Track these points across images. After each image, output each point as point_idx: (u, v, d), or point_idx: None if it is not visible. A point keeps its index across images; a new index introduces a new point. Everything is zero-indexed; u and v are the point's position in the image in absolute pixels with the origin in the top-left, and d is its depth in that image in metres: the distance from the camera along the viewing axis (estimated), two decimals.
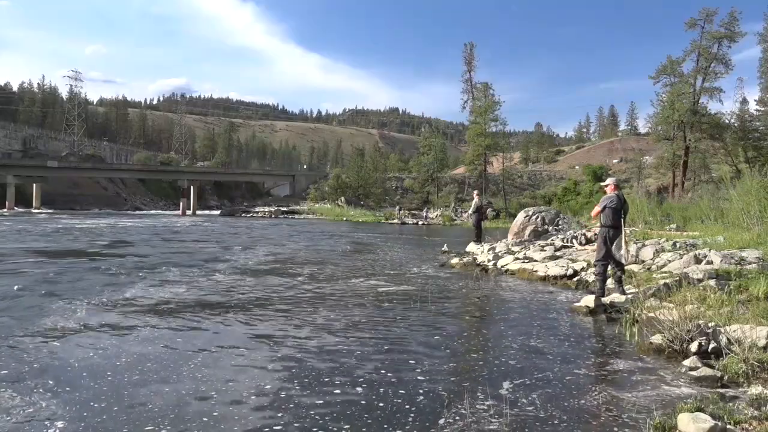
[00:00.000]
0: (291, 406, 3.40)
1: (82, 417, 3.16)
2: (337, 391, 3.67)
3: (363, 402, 3.49)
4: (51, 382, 3.73)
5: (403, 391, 3.67)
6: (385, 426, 3.11)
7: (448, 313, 6.65)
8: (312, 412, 3.29)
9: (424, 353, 4.65)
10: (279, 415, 3.26)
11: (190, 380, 3.86)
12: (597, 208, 7.21)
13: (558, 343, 5.09)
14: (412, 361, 4.39)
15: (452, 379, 4.00)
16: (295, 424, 3.12)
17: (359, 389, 3.72)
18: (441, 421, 3.16)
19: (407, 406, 3.39)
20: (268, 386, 3.76)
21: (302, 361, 4.37)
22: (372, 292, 7.98)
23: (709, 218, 13.92)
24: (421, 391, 3.68)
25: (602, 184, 7.89)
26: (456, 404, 3.41)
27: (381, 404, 3.44)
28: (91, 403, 3.38)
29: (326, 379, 3.90)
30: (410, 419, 3.20)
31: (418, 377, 3.99)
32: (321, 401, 3.48)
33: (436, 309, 6.74)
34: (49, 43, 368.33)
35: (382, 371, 4.12)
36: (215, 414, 3.25)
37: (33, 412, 3.22)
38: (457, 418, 3.21)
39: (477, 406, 3.38)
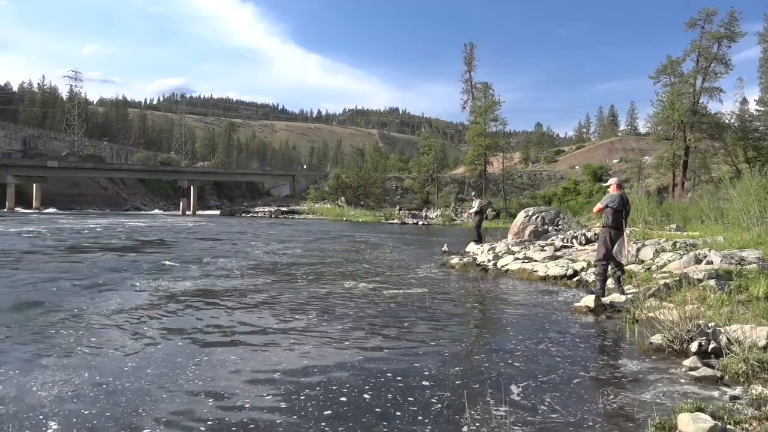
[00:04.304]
0: (294, 417, 3.26)
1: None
2: (344, 399, 3.56)
3: (377, 410, 3.38)
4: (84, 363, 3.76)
5: (411, 398, 3.58)
6: None
7: (449, 314, 6.65)
8: (322, 424, 3.16)
9: (429, 356, 4.61)
10: (278, 421, 3.18)
11: (188, 381, 3.87)
12: (599, 206, 7.31)
13: (559, 343, 5.09)
14: (417, 365, 4.33)
15: (460, 382, 3.93)
16: None
17: (367, 396, 3.62)
18: (465, 429, 3.11)
19: (421, 417, 3.27)
20: (268, 395, 3.64)
21: (304, 365, 4.34)
22: (372, 293, 7.99)
23: (709, 218, 13.93)
24: (433, 399, 3.58)
25: (605, 184, 7.94)
26: (471, 411, 3.32)
27: (398, 413, 3.33)
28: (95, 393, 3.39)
29: (334, 387, 3.77)
30: (428, 430, 3.11)
31: (425, 381, 3.92)
32: (329, 411, 3.34)
33: (437, 310, 6.74)
34: (49, 43, 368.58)
35: (389, 374, 4.07)
36: (210, 422, 3.17)
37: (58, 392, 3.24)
38: (478, 424, 3.17)
39: (493, 412, 3.32)
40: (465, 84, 61.40)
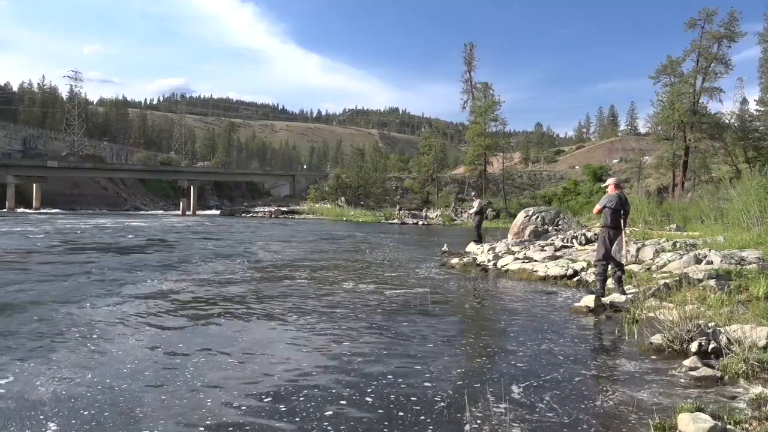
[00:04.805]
0: (297, 419, 3.24)
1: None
2: (344, 402, 3.52)
3: (380, 410, 3.36)
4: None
5: (414, 398, 3.57)
6: None
7: (450, 315, 6.65)
8: (324, 424, 3.14)
9: (430, 358, 4.60)
10: (278, 424, 3.16)
11: (186, 382, 3.88)
12: (597, 207, 7.35)
13: (559, 344, 5.09)
14: (418, 367, 4.30)
15: (461, 383, 3.91)
16: None
17: (369, 399, 3.59)
18: (467, 428, 3.11)
19: (423, 417, 3.27)
20: (268, 397, 3.60)
21: (304, 366, 4.33)
22: (373, 293, 7.99)
23: (709, 218, 13.94)
24: (436, 398, 3.57)
25: (603, 185, 7.97)
26: (472, 410, 3.32)
27: (401, 413, 3.32)
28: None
29: (334, 388, 3.74)
30: (430, 430, 3.11)
31: (426, 383, 3.89)
32: (330, 412, 3.31)
33: (437, 311, 6.74)
34: (49, 43, 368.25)
35: (390, 377, 4.04)
36: (208, 423, 3.15)
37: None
38: (480, 422, 3.17)
39: (494, 409, 3.32)
40: (465, 84, 61.44)
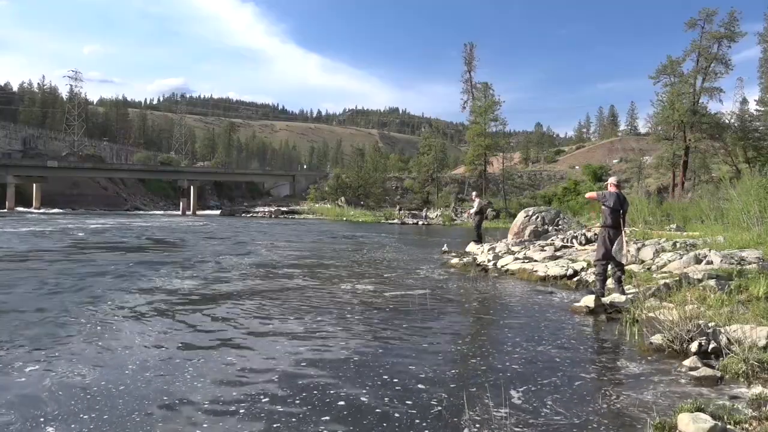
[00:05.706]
0: (294, 420, 3.21)
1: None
2: (342, 403, 3.50)
3: (377, 411, 3.34)
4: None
5: (409, 402, 3.54)
6: None
7: (448, 315, 6.63)
8: (321, 427, 3.12)
9: (428, 358, 4.58)
10: (275, 425, 3.15)
11: (185, 383, 3.87)
12: (593, 194, 7.50)
13: (559, 344, 5.08)
14: (412, 367, 4.28)
15: (457, 385, 3.88)
16: None
17: (365, 399, 3.57)
18: (465, 431, 3.10)
19: (418, 420, 3.23)
20: (265, 399, 3.57)
21: (302, 368, 4.32)
22: (372, 294, 7.98)
23: (709, 218, 13.94)
24: (432, 401, 3.54)
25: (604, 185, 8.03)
26: (470, 413, 3.30)
27: (396, 415, 3.30)
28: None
29: (332, 390, 3.72)
30: None
31: (421, 385, 3.86)
32: (327, 416, 3.28)
33: (435, 311, 6.73)
34: (49, 43, 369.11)
35: (385, 377, 4.03)
36: (205, 425, 3.14)
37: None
38: (479, 425, 3.15)
39: (493, 414, 3.30)
40: (465, 84, 61.46)
